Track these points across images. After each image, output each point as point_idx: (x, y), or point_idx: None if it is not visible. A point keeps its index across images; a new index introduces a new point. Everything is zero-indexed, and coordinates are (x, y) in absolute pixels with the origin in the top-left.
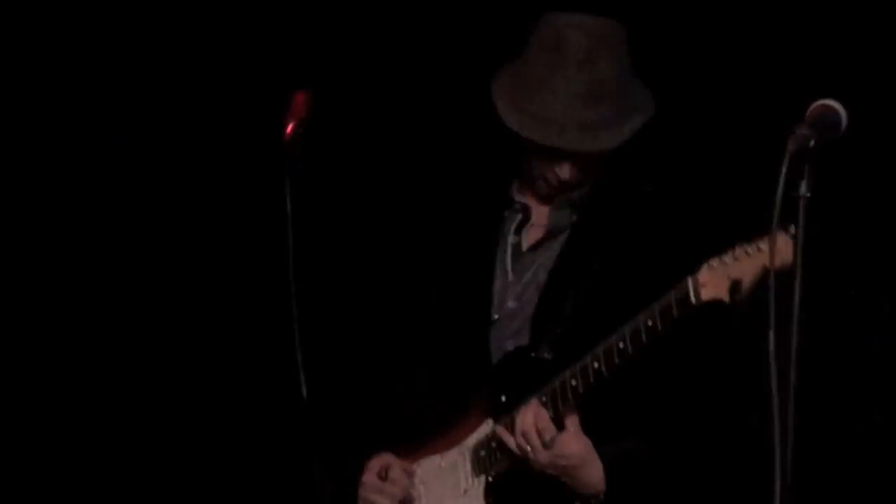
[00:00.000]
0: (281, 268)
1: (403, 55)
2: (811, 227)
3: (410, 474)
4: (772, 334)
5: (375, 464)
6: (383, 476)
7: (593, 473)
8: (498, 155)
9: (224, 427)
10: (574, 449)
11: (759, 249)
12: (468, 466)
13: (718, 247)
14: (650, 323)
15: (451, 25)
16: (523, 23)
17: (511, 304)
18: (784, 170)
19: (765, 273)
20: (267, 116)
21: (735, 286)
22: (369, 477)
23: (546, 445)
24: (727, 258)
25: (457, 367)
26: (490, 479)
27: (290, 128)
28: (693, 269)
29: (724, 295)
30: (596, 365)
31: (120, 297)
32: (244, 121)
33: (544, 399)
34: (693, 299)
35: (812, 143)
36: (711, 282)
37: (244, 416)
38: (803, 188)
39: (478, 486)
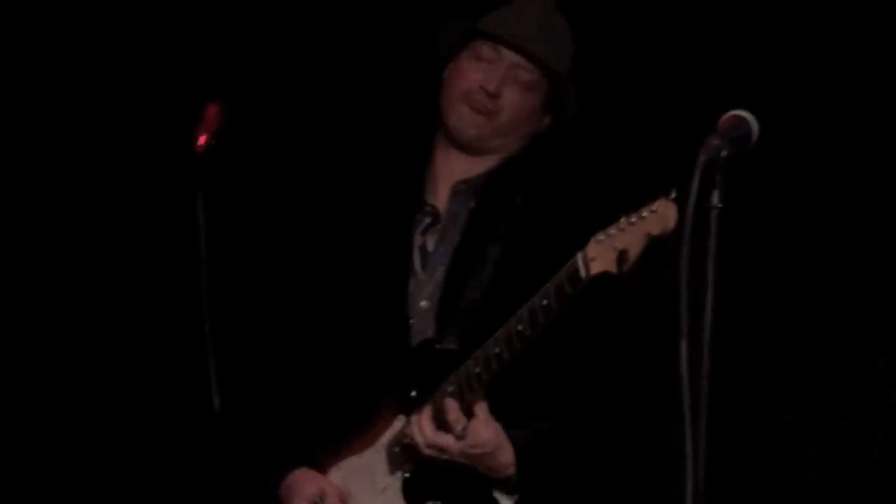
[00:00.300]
0: (194, 279)
1: (316, 61)
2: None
3: (341, 487)
4: (683, 344)
5: (306, 486)
6: (318, 502)
7: (505, 457)
8: (411, 158)
9: (134, 436)
10: (485, 436)
11: (642, 218)
12: (384, 465)
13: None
14: (545, 302)
15: (363, 30)
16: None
17: (424, 304)
18: (696, 180)
19: (650, 241)
20: (179, 129)
21: (622, 256)
22: (305, 492)
23: (457, 436)
24: (612, 230)
25: (378, 370)
26: (406, 475)
27: (202, 140)
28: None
29: (611, 266)
30: (497, 350)
31: (32, 307)
32: (156, 133)
33: (451, 389)
34: (583, 274)
35: (723, 153)
36: (599, 255)
37: (156, 427)
38: (715, 198)
39: (395, 483)
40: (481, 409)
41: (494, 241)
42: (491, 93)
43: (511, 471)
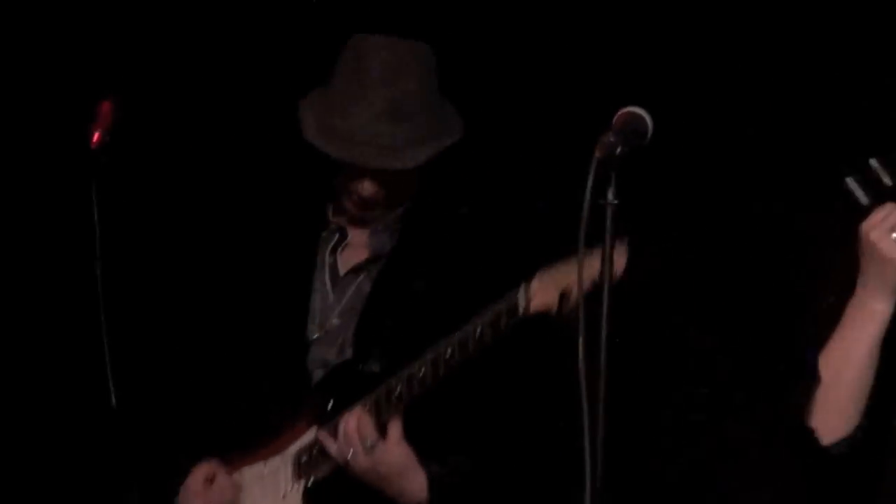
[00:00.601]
0: (90, 276)
1: (218, 57)
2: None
3: (235, 484)
4: (581, 341)
5: (201, 470)
6: (209, 481)
7: (415, 484)
8: (314, 175)
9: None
10: (395, 456)
11: (591, 259)
12: (289, 472)
13: (538, 261)
14: (478, 332)
15: (269, 40)
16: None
17: (335, 321)
18: (591, 177)
19: (593, 285)
20: (73, 125)
21: (563, 299)
22: (193, 481)
23: (367, 451)
24: (558, 269)
25: (276, 381)
26: (309, 484)
27: (96, 136)
28: (513, 283)
29: (552, 306)
30: (422, 372)
31: None
32: (50, 129)
33: (368, 406)
34: (521, 310)
35: (618, 150)
36: (541, 292)
37: (53, 426)
38: (610, 195)
39: (297, 490)
40: (395, 429)
41: (418, 276)
42: (359, 203)
43: (421, 497)
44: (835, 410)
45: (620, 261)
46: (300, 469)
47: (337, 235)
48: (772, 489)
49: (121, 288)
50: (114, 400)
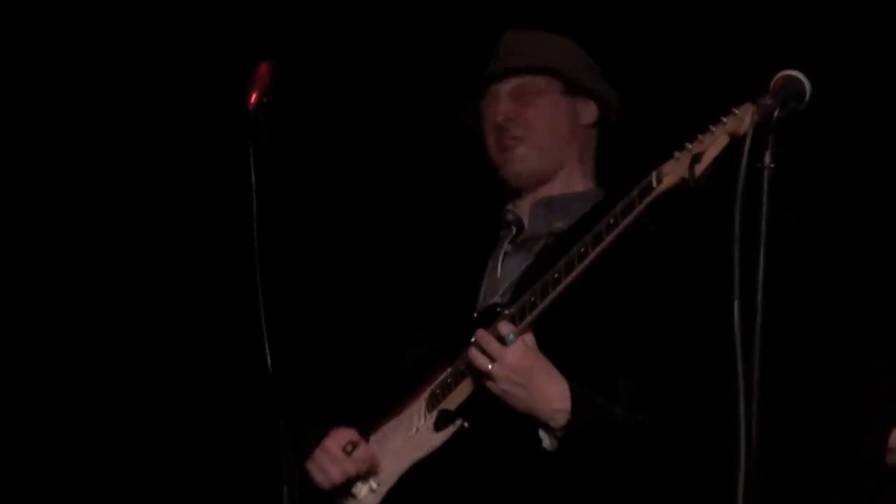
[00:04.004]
0: (248, 242)
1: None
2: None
3: (372, 454)
4: (736, 304)
5: (343, 435)
6: (348, 450)
7: (555, 388)
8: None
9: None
10: (532, 359)
11: (722, 123)
12: (422, 409)
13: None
14: (612, 221)
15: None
16: None
17: (498, 298)
18: (748, 140)
19: (727, 143)
20: (231, 86)
21: (695, 159)
22: (331, 444)
23: (505, 348)
24: (690, 144)
25: (442, 356)
26: (440, 410)
27: (253, 97)
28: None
29: (684, 172)
30: (557, 275)
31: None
32: (208, 91)
33: (508, 312)
34: (654, 185)
35: (776, 113)
36: (673, 169)
37: (214, 397)
38: (767, 158)
39: (429, 420)
40: (530, 337)
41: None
42: (500, 124)
43: (563, 406)
44: None
45: (747, 120)
46: (433, 401)
47: (514, 228)
48: None
49: (278, 251)
50: (270, 363)
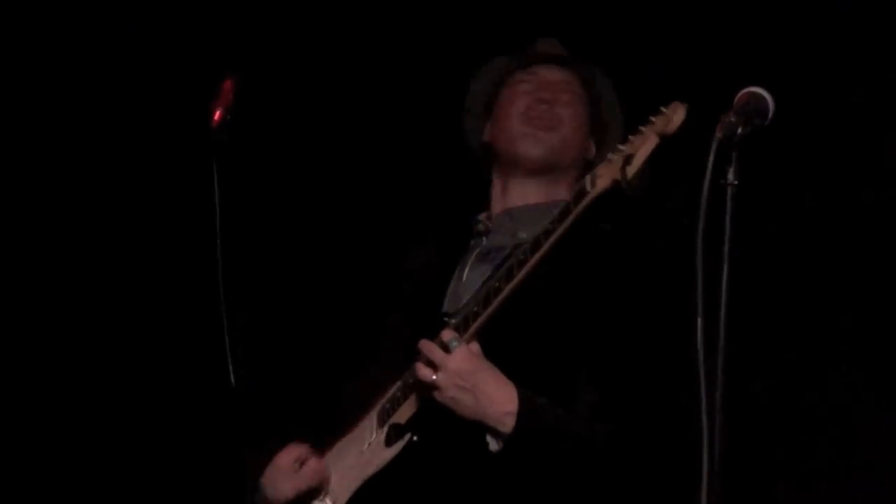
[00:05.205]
0: (210, 255)
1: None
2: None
3: (324, 468)
4: (699, 321)
5: (295, 450)
6: (296, 467)
7: (503, 392)
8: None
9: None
10: (477, 362)
11: (650, 123)
12: (374, 424)
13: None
14: (550, 227)
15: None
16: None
17: (461, 304)
18: (711, 157)
19: (656, 143)
20: (194, 103)
21: (627, 160)
22: (283, 459)
23: (448, 356)
24: (621, 146)
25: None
26: (391, 424)
27: (217, 114)
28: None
29: (616, 174)
30: (497, 284)
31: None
32: (171, 108)
33: (453, 322)
34: (588, 187)
35: (739, 130)
36: (606, 171)
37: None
38: (731, 175)
39: (380, 435)
40: (475, 344)
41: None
42: (547, 99)
43: (509, 409)
44: None
45: (678, 115)
46: (384, 417)
47: (483, 238)
48: None
49: (241, 267)
50: (232, 378)
